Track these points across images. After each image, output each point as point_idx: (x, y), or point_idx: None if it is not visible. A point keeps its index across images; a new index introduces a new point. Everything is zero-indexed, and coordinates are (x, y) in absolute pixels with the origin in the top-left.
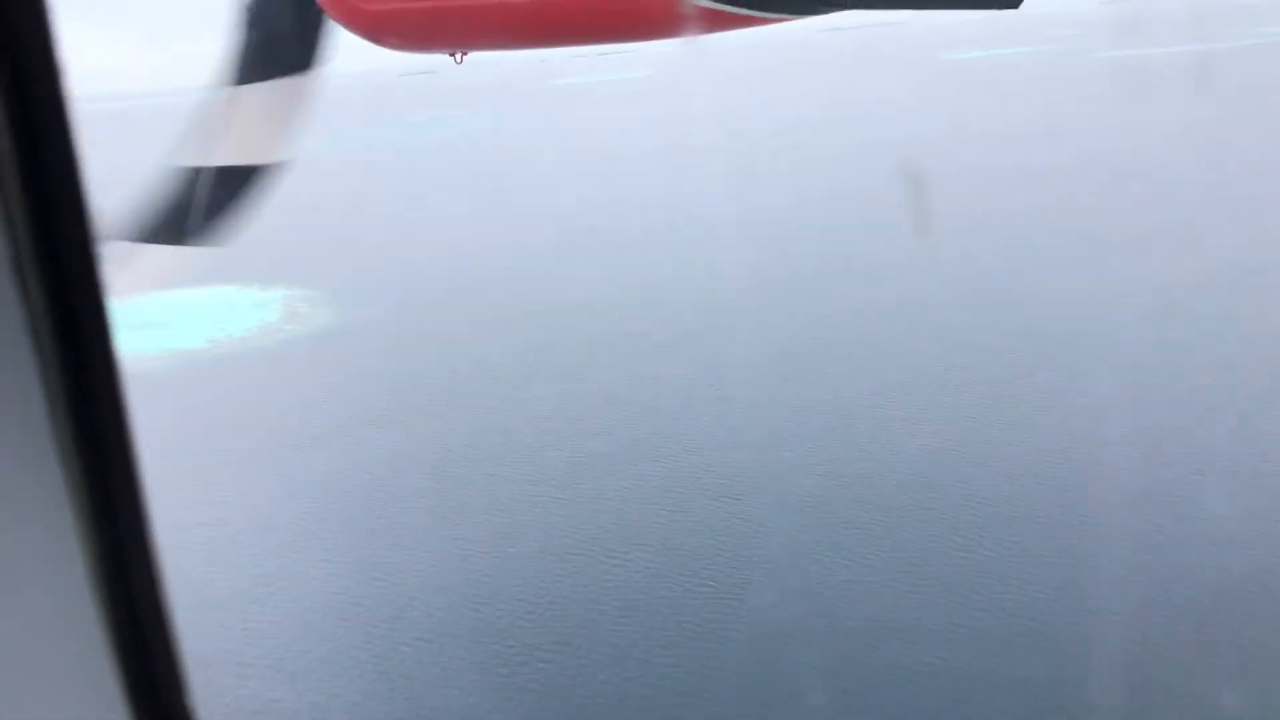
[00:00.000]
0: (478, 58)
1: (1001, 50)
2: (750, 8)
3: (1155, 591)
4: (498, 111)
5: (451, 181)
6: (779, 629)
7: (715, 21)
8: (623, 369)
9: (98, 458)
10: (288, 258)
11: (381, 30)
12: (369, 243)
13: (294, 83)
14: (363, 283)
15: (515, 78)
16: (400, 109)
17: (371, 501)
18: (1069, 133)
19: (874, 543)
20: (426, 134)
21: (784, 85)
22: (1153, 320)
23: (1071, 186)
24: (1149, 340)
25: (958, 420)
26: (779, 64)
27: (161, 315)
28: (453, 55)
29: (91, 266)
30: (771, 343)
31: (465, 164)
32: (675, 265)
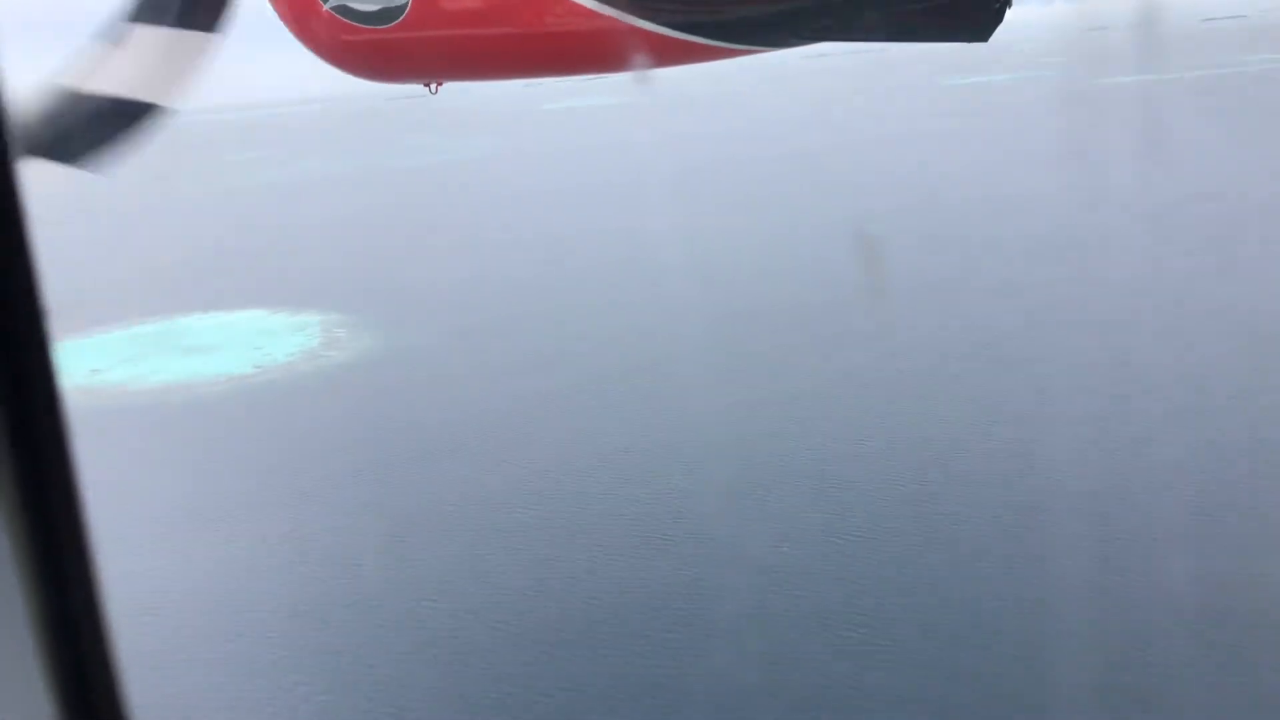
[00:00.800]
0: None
1: (994, 77)
2: (722, 40)
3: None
4: (495, 135)
5: (453, 204)
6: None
7: (687, 53)
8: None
9: (34, 461)
10: (304, 280)
11: (354, 61)
12: (392, 266)
13: (193, 36)
14: (391, 307)
15: (504, 102)
16: (397, 133)
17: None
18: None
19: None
20: (426, 157)
21: (778, 111)
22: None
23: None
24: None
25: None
26: (769, 90)
27: (207, 339)
28: (426, 85)
29: (34, 297)
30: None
31: (465, 187)
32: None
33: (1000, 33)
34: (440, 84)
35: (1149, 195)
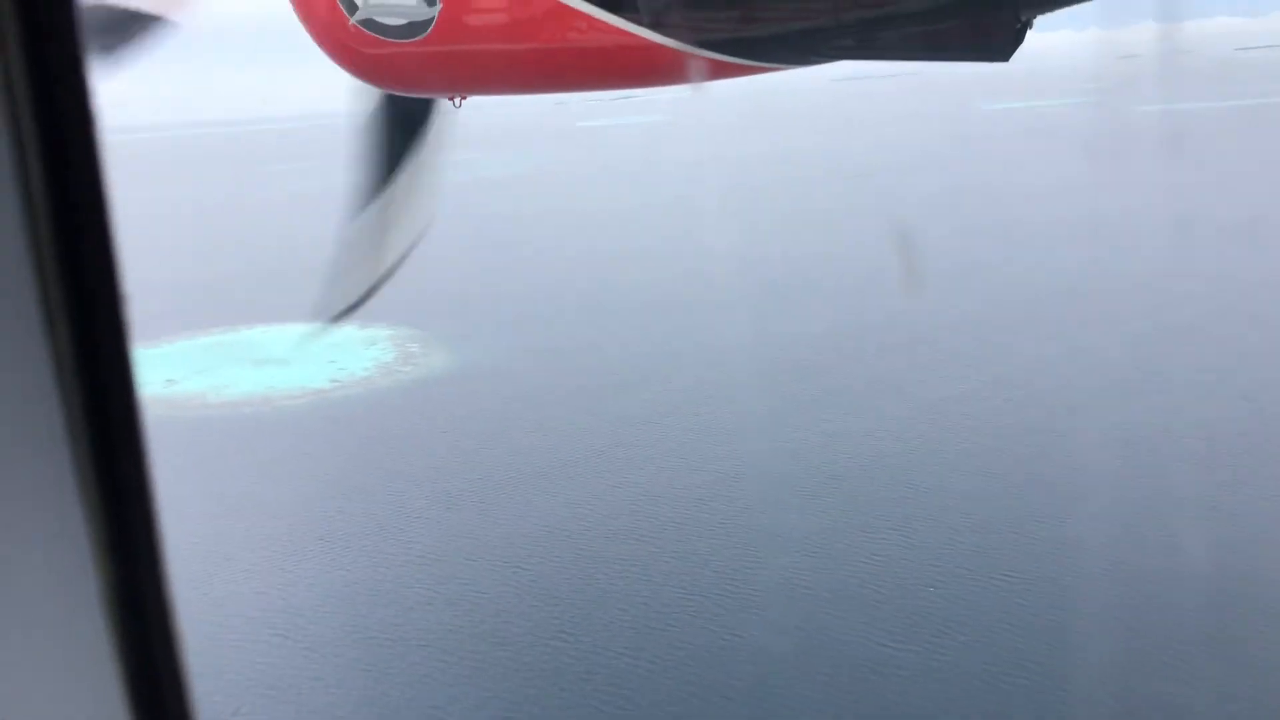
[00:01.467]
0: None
1: (1033, 103)
2: (742, 57)
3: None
4: (540, 152)
5: (506, 220)
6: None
7: (711, 70)
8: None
9: (109, 467)
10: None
11: (379, 74)
12: (450, 281)
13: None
14: (458, 322)
15: (539, 119)
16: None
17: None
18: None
19: None
20: (475, 172)
21: (821, 133)
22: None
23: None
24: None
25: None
26: (806, 112)
27: (282, 351)
28: (451, 99)
29: (115, 302)
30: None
31: (520, 203)
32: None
33: (1034, 58)
34: (465, 98)
35: (1223, 218)
